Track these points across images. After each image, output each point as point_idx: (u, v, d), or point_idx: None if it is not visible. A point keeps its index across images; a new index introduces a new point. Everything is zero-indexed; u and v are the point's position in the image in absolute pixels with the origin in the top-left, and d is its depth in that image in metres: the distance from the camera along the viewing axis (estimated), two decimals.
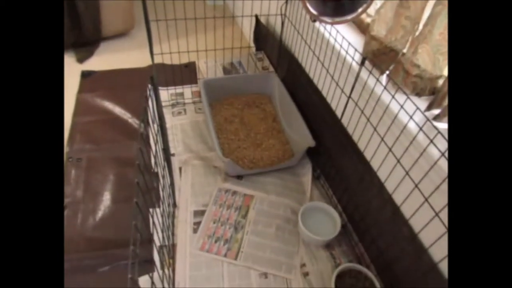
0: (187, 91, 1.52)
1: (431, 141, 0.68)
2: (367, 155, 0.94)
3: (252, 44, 1.74)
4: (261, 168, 1.21)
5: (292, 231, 1.07)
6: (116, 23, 1.84)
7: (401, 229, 0.83)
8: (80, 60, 1.70)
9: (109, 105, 1.44)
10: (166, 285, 0.90)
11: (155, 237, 0.97)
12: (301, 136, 1.22)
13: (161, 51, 1.38)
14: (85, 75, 1.61)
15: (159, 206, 1.06)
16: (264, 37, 1.61)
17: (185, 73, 1.61)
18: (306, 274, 0.98)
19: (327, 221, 1.08)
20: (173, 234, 1.03)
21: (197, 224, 1.06)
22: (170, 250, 0.98)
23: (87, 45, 1.77)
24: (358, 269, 0.95)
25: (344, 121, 1.03)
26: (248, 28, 1.80)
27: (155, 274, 0.92)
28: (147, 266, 0.95)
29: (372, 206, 0.95)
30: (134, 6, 1.84)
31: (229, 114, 1.38)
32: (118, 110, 1.43)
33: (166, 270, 0.93)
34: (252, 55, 1.74)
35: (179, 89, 1.52)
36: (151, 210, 1.05)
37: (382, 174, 0.89)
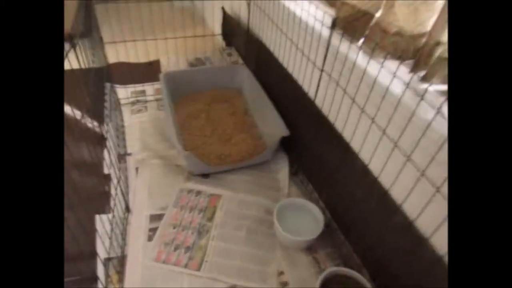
0: (149, 88, 1.38)
1: (422, 98, 0.55)
2: (347, 136, 0.81)
3: (219, 37, 1.63)
4: (229, 165, 1.06)
5: (267, 233, 0.91)
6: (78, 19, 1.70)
7: (392, 217, 0.69)
8: None
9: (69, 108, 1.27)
10: None
11: (101, 249, 0.79)
12: (274, 127, 1.09)
13: (126, 50, 1.25)
14: None
15: (109, 212, 0.88)
16: (232, 29, 1.50)
17: (149, 72, 1.47)
18: (284, 284, 0.81)
19: (308, 219, 0.93)
20: (124, 243, 0.86)
21: (154, 230, 0.89)
22: (119, 263, 0.80)
23: None
24: (346, 274, 0.79)
25: (319, 102, 0.90)
26: (218, 28, 1.69)
27: None
28: (88, 284, 0.77)
29: (356, 195, 0.81)
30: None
31: (193, 109, 1.24)
32: (67, 109, 1.26)
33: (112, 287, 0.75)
34: (221, 50, 1.62)
35: (139, 87, 1.37)
36: (97, 217, 0.88)
37: (365, 156, 0.75)
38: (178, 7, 2.09)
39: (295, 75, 1.01)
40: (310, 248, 0.89)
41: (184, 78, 1.29)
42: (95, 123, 1.10)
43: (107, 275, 0.79)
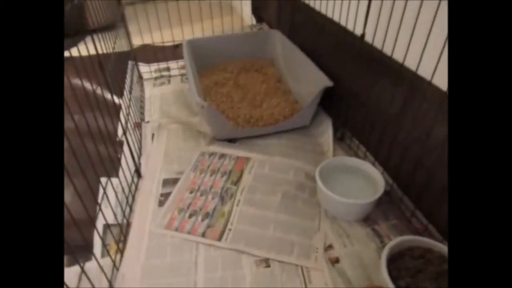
0: (174, 65, 1.26)
1: None
2: (411, 64, 0.60)
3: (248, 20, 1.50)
4: (260, 128, 0.88)
5: (309, 201, 0.70)
6: (102, 17, 1.70)
7: None
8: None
9: (84, 83, 1.20)
10: (104, 280, 0.55)
11: (103, 216, 0.64)
12: (313, 83, 0.89)
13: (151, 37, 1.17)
14: (66, 59, 1.40)
15: (116, 176, 0.74)
16: (263, 2, 1.37)
17: (175, 53, 1.37)
18: (334, 261, 0.59)
19: (362, 183, 0.71)
20: (131, 210, 0.69)
21: (166, 196, 0.72)
22: (121, 232, 0.64)
23: (70, 37, 1.60)
24: (426, 246, 0.56)
25: (368, 38, 0.71)
26: (247, 12, 1.58)
27: (92, 264, 0.58)
28: (83, 253, 0.61)
29: (431, 142, 0.58)
30: None
31: (220, 77, 1.09)
32: (94, 86, 1.17)
33: (112, 257, 0.58)
34: (252, 27, 1.49)
35: (163, 65, 1.26)
36: (103, 181, 0.73)
37: (440, 82, 0.54)
38: (205, 3, 2.03)
39: (337, 17, 0.84)
40: (367, 219, 0.67)
41: (210, 47, 1.16)
42: (113, 96, 1.00)
43: (103, 244, 0.62)
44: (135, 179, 0.76)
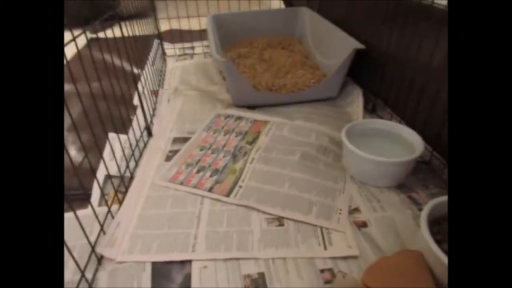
0: (198, 44, 1.23)
1: None
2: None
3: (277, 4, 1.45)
4: (282, 95, 0.80)
5: (332, 165, 0.61)
6: (135, 3, 1.73)
7: None
8: (95, 32, 1.54)
9: (110, 58, 1.19)
10: (97, 226, 0.49)
11: (104, 166, 0.59)
12: (343, 49, 0.81)
13: (179, 24, 1.17)
14: (92, 39, 1.42)
15: (125, 133, 0.69)
16: None
17: (202, 36, 1.35)
18: (361, 224, 0.50)
19: (396, 148, 0.61)
20: (136, 164, 0.64)
21: (175, 152, 0.66)
22: (123, 183, 0.58)
23: (102, 22, 1.63)
24: None
25: None
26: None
27: (88, 212, 0.52)
28: (81, 202, 0.56)
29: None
30: None
31: (244, 51, 1.04)
32: (118, 61, 1.16)
33: (109, 206, 0.53)
34: None
35: (188, 44, 1.23)
36: (111, 136, 0.69)
37: None
38: None
39: None
40: (403, 186, 0.57)
41: (235, 22, 1.11)
42: (133, 67, 0.98)
43: (102, 193, 0.57)
44: (145, 138, 0.71)
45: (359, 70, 0.85)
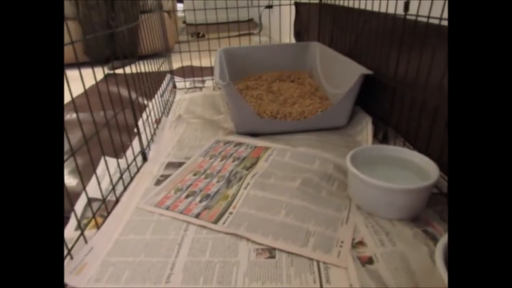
0: (209, 79, 1.24)
1: None
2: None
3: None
4: (287, 122, 0.76)
5: (336, 193, 0.55)
6: (152, 45, 1.81)
7: None
8: (112, 69, 1.61)
9: (123, 91, 1.22)
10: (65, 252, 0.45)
11: (94, 191, 0.56)
12: (351, 76, 0.78)
13: (190, 58, 1.22)
14: (109, 75, 1.47)
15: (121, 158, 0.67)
16: (305, 23, 1.35)
17: (212, 72, 1.38)
18: (366, 261, 0.42)
19: (409, 176, 0.54)
20: (125, 189, 0.60)
21: (166, 177, 0.61)
22: (106, 207, 0.54)
23: (123, 59, 1.71)
24: None
25: (412, 11, 0.61)
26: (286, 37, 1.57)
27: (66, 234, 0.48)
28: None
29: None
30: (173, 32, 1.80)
31: (253, 83, 1.03)
32: (130, 95, 1.19)
33: (83, 230, 0.48)
34: None
35: (198, 78, 1.25)
36: (104, 160, 0.66)
37: None
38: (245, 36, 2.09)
39: (376, 7, 0.75)
40: (418, 219, 0.49)
41: (246, 56, 1.12)
42: (139, 98, 0.99)
43: (82, 216, 0.52)
44: (139, 162, 0.68)
45: (368, 98, 0.81)
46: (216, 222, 0.49)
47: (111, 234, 0.48)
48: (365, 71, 0.72)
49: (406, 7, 0.63)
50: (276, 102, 0.90)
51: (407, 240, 0.45)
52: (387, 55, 0.73)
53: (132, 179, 0.63)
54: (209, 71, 1.30)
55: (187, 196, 0.55)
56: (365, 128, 0.73)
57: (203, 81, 1.23)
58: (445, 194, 0.54)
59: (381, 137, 0.74)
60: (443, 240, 0.36)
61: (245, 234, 0.46)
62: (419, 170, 0.54)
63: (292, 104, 0.88)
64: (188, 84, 1.21)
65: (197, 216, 0.50)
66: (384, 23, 0.72)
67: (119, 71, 0.66)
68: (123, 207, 0.54)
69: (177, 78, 1.24)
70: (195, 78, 1.24)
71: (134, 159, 0.66)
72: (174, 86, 1.19)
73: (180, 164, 0.65)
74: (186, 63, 1.31)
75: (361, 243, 0.45)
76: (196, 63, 1.27)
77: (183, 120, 0.84)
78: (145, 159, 0.70)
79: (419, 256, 0.42)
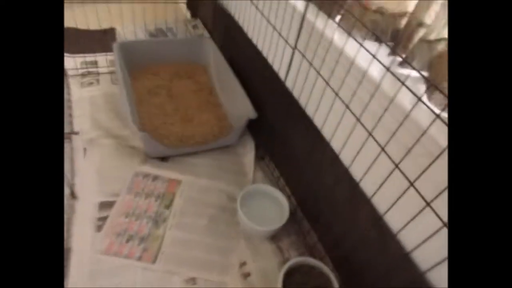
0: (102, 59, 1.23)
1: (403, 84, 0.51)
2: (318, 121, 0.76)
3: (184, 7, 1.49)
4: (190, 147, 0.98)
5: (230, 221, 0.85)
6: None
7: (361, 211, 0.66)
8: None
9: None
10: None
11: None
12: (240, 108, 1.01)
13: (73, 14, 1.09)
14: None
15: None
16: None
17: (102, 41, 1.32)
18: (246, 275, 0.77)
19: (273, 207, 0.88)
20: (68, 235, 0.76)
21: (103, 220, 0.80)
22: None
23: None
24: (311, 264, 0.76)
25: (289, 83, 0.84)
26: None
27: None
28: None
29: (325, 184, 0.77)
30: None
31: (153, 85, 1.13)
32: None
33: None
34: (186, 21, 1.49)
35: (90, 57, 1.22)
36: None
37: (336, 144, 0.71)
38: None
39: (265, 52, 0.93)
40: (275, 237, 0.85)
41: (143, 50, 1.16)
42: None
43: None
44: (70, 201, 0.82)
45: (254, 123, 1.04)
46: (154, 261, 0.75)
47: (81, 285, 0.69)
48: (251, 114, 0.95)
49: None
50: (178, 114, 1.06)
51: (268, 256, 0.81)
52: (269, 101, 0.97)
53: (70, 220, 0.78)
54: (100, 42, 1.26)
55: (127, 240, 0.77)
56: (250, 152, 1.01)
57: (95, 63, 1.21)
58: (292, 213, 0.91)
59: (261, 154, 1.04)
60: (286, 265, 0.72)
61: (176, 270, 0.74)
62: (279, 201, 0.88)
63: (191, 118, 1.06)
64: (79, 65, 1.18)
65: (140, 258, 0.74)
66: (270, 73, 0.92)
67: None
68: (79, 257, 0.72)
69: (67, 55, 1.18)
70: (86, 57, 1.21)
71: (72, 204, 0.80)
72: (65, 73, 1.15)
73: (111, 204, 0.82)
74: (69, 22, 1.18)
75: (244, 263, 0.79)
76: (81, 23, 1.15)
77: (94, 142, 0.94)
78: (73, 196, 0.83)
79: (273, 268, 0.79)
